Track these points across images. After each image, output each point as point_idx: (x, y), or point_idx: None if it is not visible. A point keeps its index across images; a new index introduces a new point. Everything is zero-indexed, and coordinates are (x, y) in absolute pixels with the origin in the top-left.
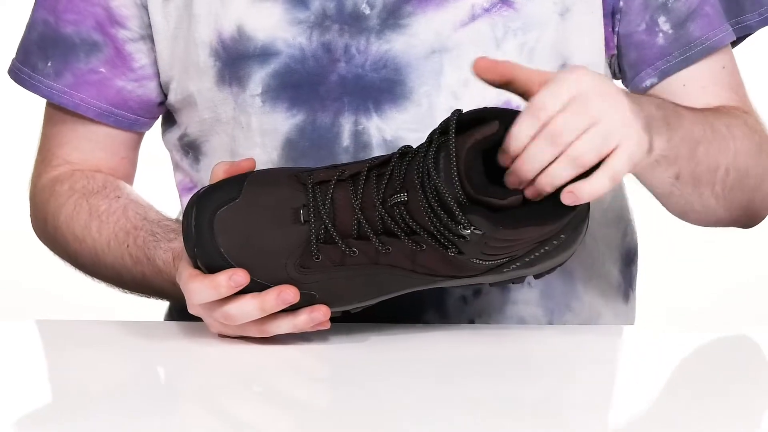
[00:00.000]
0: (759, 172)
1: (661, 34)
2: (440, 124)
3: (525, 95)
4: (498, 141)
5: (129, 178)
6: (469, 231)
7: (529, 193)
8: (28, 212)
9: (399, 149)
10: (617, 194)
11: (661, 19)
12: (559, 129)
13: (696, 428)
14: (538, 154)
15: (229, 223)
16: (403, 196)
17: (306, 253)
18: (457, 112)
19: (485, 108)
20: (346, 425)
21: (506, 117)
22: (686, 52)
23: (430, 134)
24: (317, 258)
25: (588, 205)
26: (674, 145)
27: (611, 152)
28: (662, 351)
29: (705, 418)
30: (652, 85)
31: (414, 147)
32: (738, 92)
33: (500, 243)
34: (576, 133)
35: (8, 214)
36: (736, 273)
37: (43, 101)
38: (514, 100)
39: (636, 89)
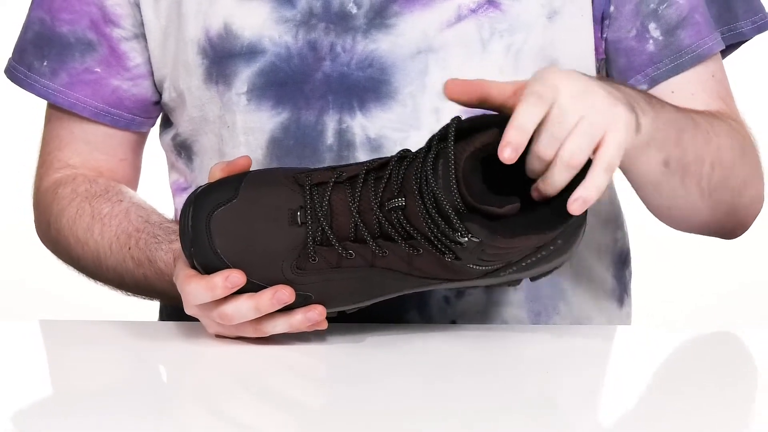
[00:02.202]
0: (743, 174)
1: (651, 41)
2: (440, 130)
3: (500, 109)
4: (497, 149)
5: (131, 181)
6: (466, 239)
7: (534, 195)
8: (31, 214)
9: (398, 152)
10: (606, 197)
11: (652, 26)
12: (544, 145)
13: (686, 428)
14: (533, 170)
15: (226, 223)
16: (401, 201)
17: (302, 255)
18: (457, 119)
19: (485, 115)
20: (341, 425)
21: (505, 125)
22: (676, 60)
23: (429, 140)
24: (314, 260)
25: (585, 210)
26: (661, 125)
27: (600, 143)
28: (652, 350)
29: (696, 417)
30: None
31: (413, 151)
32: (726, 101)
33: (497, 250)
34: (560, 141)
35: (10, 215)
36: (733, 276)
37: (43, 103)
38: None
39: None
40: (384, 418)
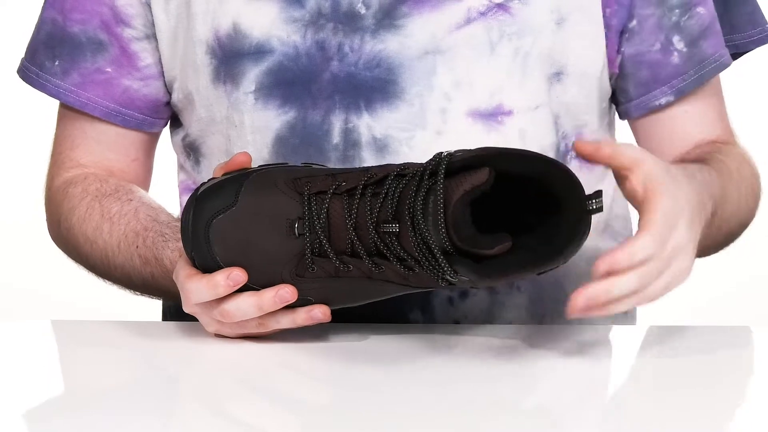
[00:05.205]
0: (747, 212)
1: (675, 53)
2: (432, 161)
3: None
4: (487, 190)
5: (143, 181)
6: (456, 279)
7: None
8: (33, 216)
9: (397, 167)
10: (613, 204)
11: (675, 38)
12: (647, 277)
13: (690, 427)
14: (622, 286)
15: (224, 232)
16: (395, 227)
17: (301, 264)
18: (448, 156)
19: (477, 154)
20: (345, 424)
21: (496, 162)
22: (700, 70)
23: (424, 168)
24: (312, 269)
25: (588, 230)
26: (704, 236)
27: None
28: (655, 349)
29: (700, 416)
30: (668, 104)
31: (411, 168)
32: (723, 119)
33: (489, 285)
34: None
35: (11, 217)
36: (737, 276)
37: (47, 107)
38: (505, 104)
39: (645, 108)
40: (386, 418)
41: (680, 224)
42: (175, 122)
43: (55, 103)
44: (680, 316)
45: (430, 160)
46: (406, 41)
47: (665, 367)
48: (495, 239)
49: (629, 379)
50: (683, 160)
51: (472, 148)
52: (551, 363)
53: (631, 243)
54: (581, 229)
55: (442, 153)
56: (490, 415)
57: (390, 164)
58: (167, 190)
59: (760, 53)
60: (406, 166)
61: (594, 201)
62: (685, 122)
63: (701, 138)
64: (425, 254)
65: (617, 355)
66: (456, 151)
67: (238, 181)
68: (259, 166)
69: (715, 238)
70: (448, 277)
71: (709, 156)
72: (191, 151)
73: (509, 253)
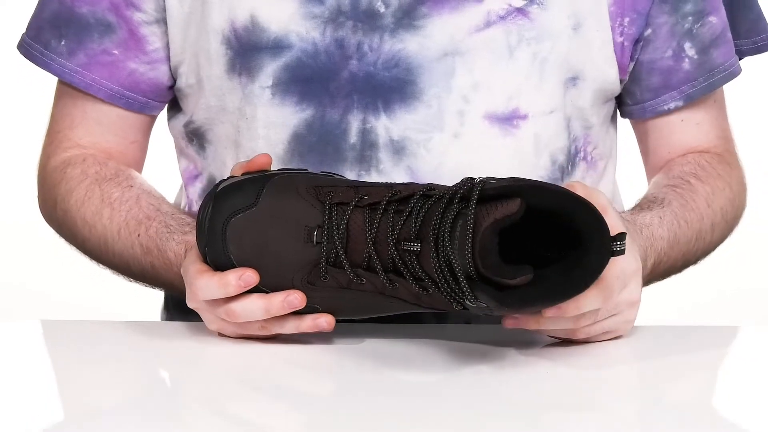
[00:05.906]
0: (717, 238)
1: (687, 60)
2: (463, 187)
3: None
4: (517, 220)
5: (138, 163)
6: (475, 305)
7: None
8: (32, 215)
9: (422, 188)
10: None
11: (687, 45)
12: (584, 321)
13: (689, 427)
14: (559, 323)
15: (242, 231)
16: (416, 246)
17: (314, 272)
18: (482, 183)
19: (511, 184)
20: (348, 425)
21: (530, 193)
22: (710, 78)
23: (453, 191)
24: (325, 279)
25: (605, 266)
26: (649, 279)
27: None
28: (655, 348)
29: (698, 415)
30: (677, 108)
31: (438, 190)
32: (722, 128)
33: (505, 314)
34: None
35: (9, 217)
36: (734, 276)
37: (47, 107)
38: (522, 108)
39: (654, 111)
40: (395, 418)
41: (632, 282)
42: (174, 107)
43: (43, 104)
44: (680, 316)
45: (460, 184)
46: (425, 42)
47: (665, 366)
48: (517, 270)
49: (631, 379)
50: (643, 204)
51: (504, 177)
52: (555, 363)
53: (582, 296)
54: (601, 267)
55: (474, 179)
56: (494, 414)
57: (414, 183)
58: (164, 178)
59: (760, 59)
60: (432, 187)
61: (618, 243)
62: (685, 128)
63: (696, 145)
64: (446, 276)
65: (618, 354)
66: (488, 179)
67: (260, 182)
68: (279, 169)
69: (663, 277)
70: (468, 302)
71: (680, 185)
72: (195, 136)
73: (529, 284)
